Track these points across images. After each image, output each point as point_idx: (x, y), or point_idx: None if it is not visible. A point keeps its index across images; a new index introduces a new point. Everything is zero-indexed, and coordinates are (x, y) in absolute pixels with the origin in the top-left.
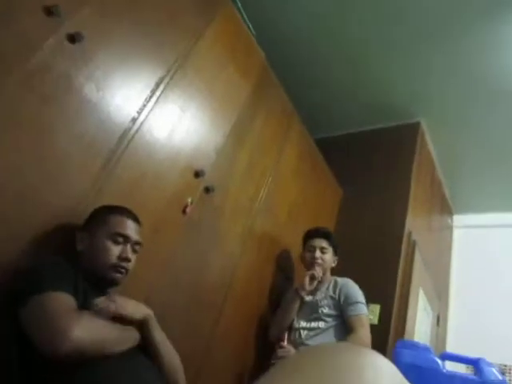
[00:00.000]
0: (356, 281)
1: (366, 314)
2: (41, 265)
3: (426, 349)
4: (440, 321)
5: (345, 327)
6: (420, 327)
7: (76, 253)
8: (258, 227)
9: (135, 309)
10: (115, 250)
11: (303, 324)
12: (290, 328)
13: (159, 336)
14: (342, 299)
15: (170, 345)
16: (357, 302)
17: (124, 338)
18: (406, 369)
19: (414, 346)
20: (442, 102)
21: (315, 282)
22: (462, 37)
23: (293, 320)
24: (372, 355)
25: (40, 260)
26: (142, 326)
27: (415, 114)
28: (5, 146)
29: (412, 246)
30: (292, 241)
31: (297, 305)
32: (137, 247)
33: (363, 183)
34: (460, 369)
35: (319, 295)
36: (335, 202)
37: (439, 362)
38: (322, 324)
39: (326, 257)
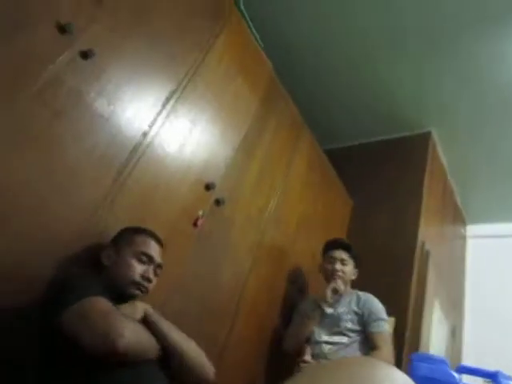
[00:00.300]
0: (369, 292)
1: (388, 331)
2: (73, 276)
3: (441, 361)
4: (456, 332)
5: (367, 342)
6: (435, 339)
7: (100, 267)
8: (268, 238)
9: (132, 309)
10: (139, 269)
11: (325, 338)
12: (309, 341)
13: (166, 325)
14: (365, 315)
15: (180, 332)
16: (380, 319)
17: (156, 345)
18: (421, 382)
19: (430, 359)
20: (454, 111)
21: (337, 296)
22: (474, 45)
23: (312, 332)
24: (389, 368)
25: (70, 272)
26: (145, 322)
27: (426, 124)
28: (16, 160)
29: (425, 256)
30: (303, 252)
31: (317, 317)
32: (158, 271)
33: (374, 194)
34: (477, 382)
35: (341, 309)
36: (346, 212)
37: (456, 375)
38: (344, 339)
39: (347, 269)
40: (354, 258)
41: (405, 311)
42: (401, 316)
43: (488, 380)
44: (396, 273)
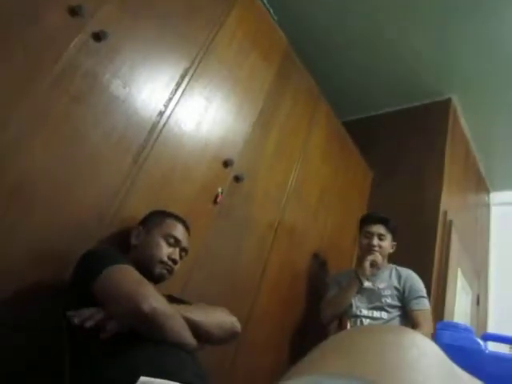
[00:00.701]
0: (392, 263)
1: (429, 308)
2: (101, 249)
3: (466, 329)
4: (480, 301)
5: (407, 319)
6: (460, 308)
7: (128, 246)
8: (288, 213)
9: None
10: (166, 250)
11: (365, 312)
12: (347, 314)
13: (181, 308)
14: (406, 291)
15: (194, 305)
16: (422, 297)
17: (189, 333)
18: (446, 350)
19: (455, 327)
20: (475, 76)
21: (375, 269)
22: (498, 9)
23: (350, 305)
24: (416, 335)
25: (97, 247)
26: None
27: (446, 91)
28: (38, 148)
29: (448, 225)
30: (324, 225)
31: (355, 289)
32: (183, 254)
33: (394, 164)
34: (503, 349)
35: (380, 284)
36: (366, 184)
37: (481, 342)
38: (384, 314)
39: (384, 244)
40: (392, 231)
41: (429, 281)
42: (425, 285)
43: None
44: (419, 243)
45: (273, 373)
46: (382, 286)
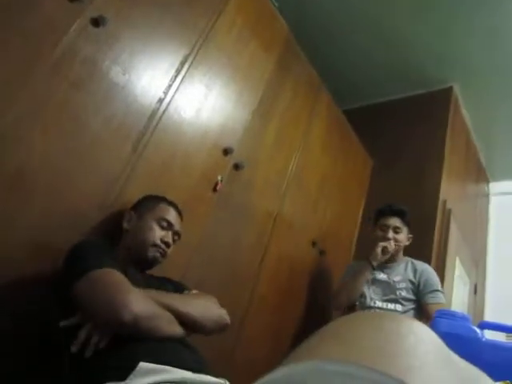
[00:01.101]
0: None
1: (445, 302)
2: (85, 245)
3: (463, 318)
4: (478, 290)
5: (421, 312)
6: (457, 297)
7: (121, 231)
8: (288, 201)
9: None
10: (159, 233)
11: (379, 304)
12: (362, 305)
13: (167, 298)
14: (421, 285)
15: (184, 296)
16: (437, 291)
17: (175, 325)
18: (444, 338)
19: (452, 315)
20: (477, 65)
21: (387, 255)
22: None
23: (364, 297)
24: (414, 323)
25: (82, 241)
26: None
27: (447, 80)
28: (38, 137)
29: (447, 214)
30: (323, 213)
31: (367, 275)
32: (176, 238)
33: (394, 153)
34: (500, 338)
35: (396, 276)
36: (366, 172)
37: (478, 330)
38: (399, 307)
39: (400, 237)
40: (408, 224)
41: None
42: None
43: (511, 334)
44: (418, 232)
45: (272, 361)
46: (397, 278)
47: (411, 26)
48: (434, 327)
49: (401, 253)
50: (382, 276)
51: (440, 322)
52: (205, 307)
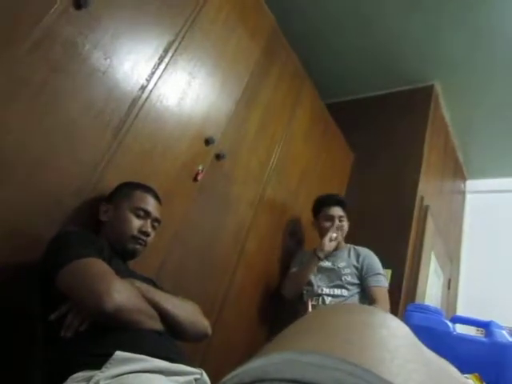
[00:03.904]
0: (368, 245)
1: (387, 286)
2: (70, 234)
3: (436, 311)
4: (451, 285)
5: (365, 295)
6: (431, 291)
7: (99, 223)
8: (269, 192)
9: None
10: (136, 223)
11: (326, 290)
12: (309, 294)
13: (156, 294)
14: (364, 269)
15: (172, 297)
16: (379, 274)
17: (156, 321)
18: (416, 331)
19: (425, 309)
20: (458, 64)
21: (334, 244)
22: None
23: (311, 285)
24: (385, 315)
25: (67, 230)
26: None
27: (429, 77)
28: (14, 119)
29: (424, 210)
30: (304, 204)
31: (315, 265)
32: (156, 224)
33: (374, 147)
34: (470, 332)
35: (340, 263)
36: (346, 166)
37: (450, 324)
38: (345, 292)
39: (345, 225)
40: (348, 212)
41: (402, 263)
42: (398, 268)
43: (481, 329)
44: (395, 226)
45: (247, 350)
46: (341, 265)
47: (398, 22)
48: (407, 320)
49: (343, 240)
50: (327, 264)
51: (413, 315)
52: (191, 313)
